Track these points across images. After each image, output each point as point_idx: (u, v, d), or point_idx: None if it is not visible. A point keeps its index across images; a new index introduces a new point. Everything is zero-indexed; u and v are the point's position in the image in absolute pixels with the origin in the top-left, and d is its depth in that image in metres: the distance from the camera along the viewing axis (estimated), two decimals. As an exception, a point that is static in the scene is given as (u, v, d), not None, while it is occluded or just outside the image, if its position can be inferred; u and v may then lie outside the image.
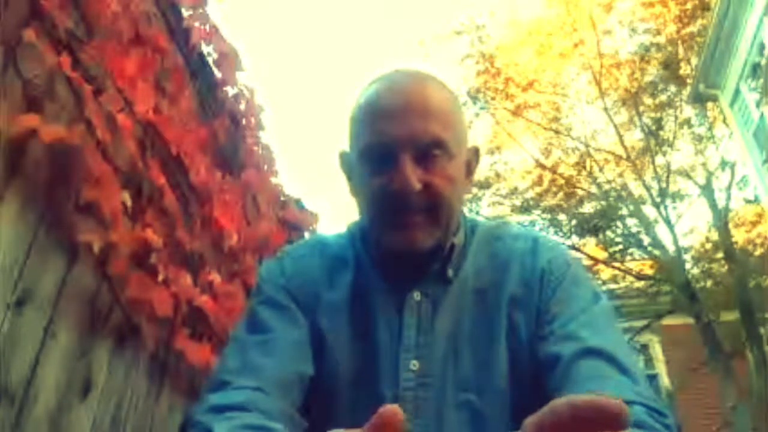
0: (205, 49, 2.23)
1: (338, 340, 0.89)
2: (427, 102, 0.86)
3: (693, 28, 10.97)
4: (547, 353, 0.80)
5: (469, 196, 12.01)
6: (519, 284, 0.89)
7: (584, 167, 11.87)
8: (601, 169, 11.74)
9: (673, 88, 11.26)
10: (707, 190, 11.20)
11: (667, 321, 10.86)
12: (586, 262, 11.45)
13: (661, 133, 11.30)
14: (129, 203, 1.56)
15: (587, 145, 11.89)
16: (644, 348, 12.22)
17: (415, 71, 0.93)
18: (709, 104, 10.69)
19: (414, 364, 0.85)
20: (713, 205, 11.04)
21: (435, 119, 0.85)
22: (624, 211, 11.23)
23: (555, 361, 0.78)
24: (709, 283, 10.54)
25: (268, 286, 0.94)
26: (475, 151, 0.97)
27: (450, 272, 0.90)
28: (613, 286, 11.77)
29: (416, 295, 0.89)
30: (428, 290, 0.89)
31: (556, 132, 12.27)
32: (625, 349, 0.83)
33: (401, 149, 0.83)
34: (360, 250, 0.95)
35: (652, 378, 12.09)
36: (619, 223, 11.36)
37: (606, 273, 11.81)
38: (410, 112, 0.84)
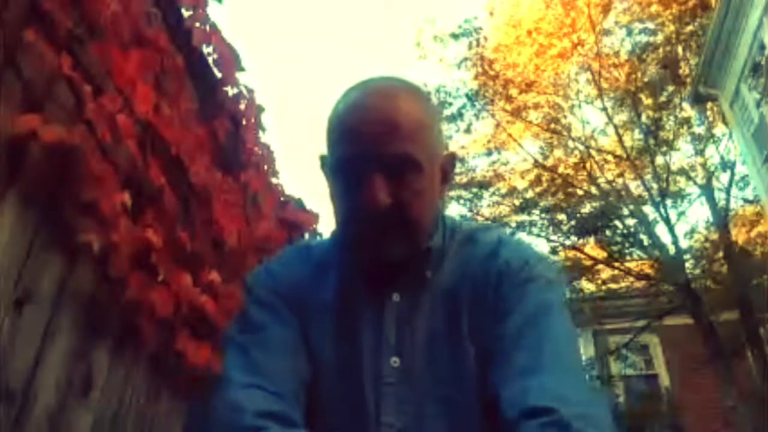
0: (205, 49, 2.23)
1: (323, 341, 0.93)
2: (396, 118, 0.87)
3: (692, 28, 10.97)
4: (498, 388, 0.81)
5: (460, 194, 12.04)
6: (479, 285, 0.92)
7: (584, 167, 11.87)
8: (600, 169, 11.74)
9: (672, 88, 11.25)
10: (707, 190, 11.21)
11: (667, 321, 10.86)
12: (586, 262, 11.47)
13: (661, 133, 11.30)
14: (129, 203, 1.55)
15: (587, 146, 11.89)
16: (644, 348, 12.22)
17: (389, 83, 0.94)
18: (709, 104, 10.69)
19: (395, 361, 0.89)
20: (713, 205, 11.05)
21: (403, 136, 0.86)
22: (624, 211, 11.22)
23: (507, 406, 0.78)
24: (709, 283, 10.54)
25: (257, 289, 0.98)
26: (452, 158, 1.00)
27: (428, 274, 0.94)
28: (613, 286, 11.78)
29: (395, 297, 0.93)
30: (407, 291, 0.93)
31: (556, 132, 12.27)
32: (573, 376, 0.83)
33: (370, 166, 0.85)
34: (344, 255, 0.99)
35: (653, 378, 12.10)
36: (618, 223, 11.36)
37: (606, 273, 11.81)
38: (380, 129, 0.86)
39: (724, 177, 11.40)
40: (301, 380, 0.88)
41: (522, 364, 0.80)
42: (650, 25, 11.44)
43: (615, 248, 11.43)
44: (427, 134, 0.91)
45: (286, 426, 0.77)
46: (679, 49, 11.16)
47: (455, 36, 12.24)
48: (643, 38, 11.57)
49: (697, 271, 11.04)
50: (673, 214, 11.21)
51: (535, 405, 0.73)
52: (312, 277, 0.98)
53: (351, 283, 0.96)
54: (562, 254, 11.52)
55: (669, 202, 11.24)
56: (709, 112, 11.28)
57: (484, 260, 0.94)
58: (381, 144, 0.85)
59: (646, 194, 11.20)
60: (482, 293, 0.91)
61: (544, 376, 0.78)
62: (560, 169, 12.19)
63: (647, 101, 11.35)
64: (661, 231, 10.96)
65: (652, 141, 11.15)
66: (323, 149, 1.00)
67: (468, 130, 12.40)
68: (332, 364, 0.91)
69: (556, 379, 0.78)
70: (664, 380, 11.89)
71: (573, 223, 11.40)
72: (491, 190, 12.55)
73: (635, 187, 11.62)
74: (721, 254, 10.75)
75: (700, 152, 11.57)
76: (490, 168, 12.70)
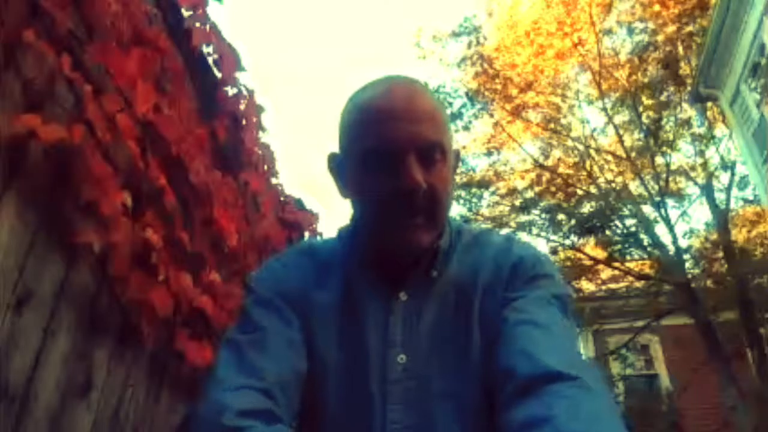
0: (205, 49, 2.23)
1: (328, 340, 0.93)
2: (425, 106, 0.91)
3: (692, 28, 10.96)
4: (501, 362, 0.82)
5: (460, 194, 12.05)
6: (491, 278, 0.94)
7: (584, 167, 11.87)
8: (600, 169, 11.74)
9: (672, 88, 11.25)
10: (707, 190, 11.20)
11: (667, 321, 10.86)
12: (586, 262, 11.46)
13: (661, 133, 11.30)
14: (129, 203, 1.55)
15: (587, 146, 11.89)
16: (644, 348, 12.22)
17: (407, 78, 0.97)
18: (709, 104, 10.68)
19: (401, 358, 0.90)
20: (713, 205, 11.04)
21: (433, 124, 0.90)
22: (624, 211, 11.22)
23: (509, 376, 0.78)
24: (709, 283, 10.53)
25: (259, 289, 0.97)
26: (457, 154, 1.02)
27: (434, 273, 0.95)
28: (613, 286, 11.77)
29: (402, 296, 0.94)
30: (414, 290, 0.94)
31: (556, 132, 12.26)
32: (579, 357, 0.86)
33: (406, 151, 0.87)
34: (349, 254, 0.99)
35: (653, 378, 12.10)
36: (618, 223, 11.35)
37: (606, 273, 11.81)
38: (412, 117, 0.88)
39: (725, 177, 11.41)
40: (297, 377, 0.87)
41: (532, 336, 0.81)
42: (651, 25, 11.43)
43: (615, 248, 11.42)
44: (448, 127, 0.95)
45: (270, 423, 0.76)
46: (680, 49, 11.15)
47: (455, 35, 12.25)
48: (644, 38, 11.57)
49: (697, 271, 11.03)
50: (673, 214, 11.21)
51: (559, 369, 0.73)
52: (316, 277, 0.98)
53: (356, 283, 0.96)
54: (562, 254, 11.51)
55: (669, 202, 11.24)
56: (709, 112, 11.28)
57: (496, 256, 0.96)
58: (417, 131, 0.87)
59: (646, 194, 11.19)
60: (494, 285, 0.93)
61: (556, 348, 0.79)
62: (560, 169, 12.19)
63: (647, 101, 11.35)
64: (661, 231, 10.97)
65: (652, 141, 11.15)
66: (325, 149, 1.00)
67: (467, 128, 12.39)
68: (338, 364, 0.91)
69: (568, 351, 0.81)
70: (664, 380, 11.89)
71: (573, 223, 11.38)
72: (491, 190, 12.55)
73: (635, 187, 11.61)
74: (721, 254, 10.74)
75: (700, 152, 11.56)
76: (490, 168, 12.70)
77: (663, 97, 11.33)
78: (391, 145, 0.87)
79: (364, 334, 0.92)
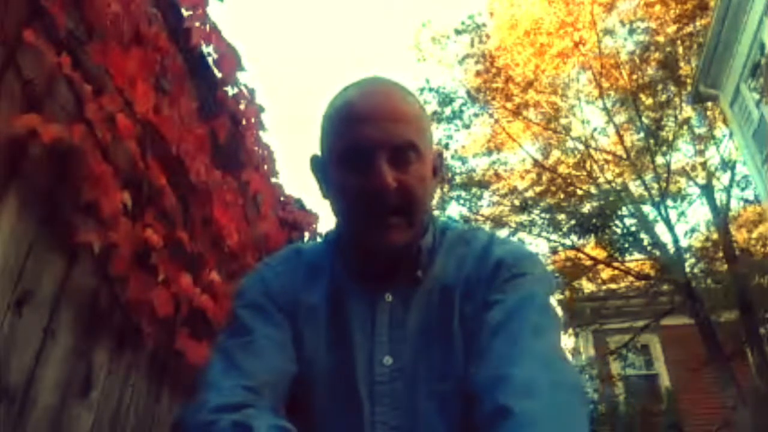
0: (205, 49, 2.23)
1: (316, 342, 0.94)
2: (399, 107, 0.91)
3: (693, 28, 10.96)
4: (475, 382, 0.81)
5: (460, 194, 12.06)
6: (472, 277, 0.94)
7: (584, 167, 11.86)
8: (600, 169, 11.73)
9: (672, 88, 11.25)
10: (707, 190, 11.19)
11: (667, 321, 10.85)
12: (586, 262, 11.46)
13: (661, 133, 11.29)
14: (129, 203, 1.55)
15: (587, 145, 11.89)
16: (644, 348, 12.21)
17: (386, 79, 0.98)
18: (709, 104, 10.68)
19: (387, 360, 0.91)
20: (713, 205, 11.03)
21: (407, 123, 0.90)
22: (624, 211, 11.21)
23: (480, 401, 0.78)
24: (709, 283, 10.53)
25: (248, 293, 0.99)
26: (439, 154, 1.02)
27: (419, 273, 0.95)
28: (613, 286, 11.77)
29: (388, 297, 0.95)
30: (399, 291, 0.95)
31: (556, 132, 12.26)
32: (544, 366, 0.82)
33: (377, 151, 0.87)
34: (335, 257, 1.00)
35: (653, 378, 12.10)
36: (618, 223, 11.34)
37: (606, 273, 11.80)
38: (384, 117, 0.89)
39: (725, 177, 11.41)
40: (284, 377, 0.88)
41: (496, 355, 0.81)
42: (652, 25, 11.43)
43: (615, 248, 11.41)
44: (425, 127, 0.95)
45: (237, 412, 0.77)
46: (680, 49, 11.15)
47: (458, 32, 12.24)
48: (644, 38, 11.57)
49: (697, 271, 11.03)
50: (673, 214, 11.21)
51: (504, 404, 0.73)
52: (303, 280, 0.99)
53: (342, 285, 0.97)
54: (562, 254, 11.52)
55: (669, 202, 11.23)
56: (709, 112, 11.28)
57: (478, 258, 0.96)
58: (388, 131, 0.88)
59: (646, 194, 11.18)
60: (474, 289, 0.93)
61: (515, 368, 0.78)
62: (560, 169, 12.19)
63: (647, 101, 11.34)
64: (661, 231, 10.96)
65: (652, 141, 11.14)
66: (316, 150, 1.01)
67: (467, 126, 12.39)
68: (326, 365, 0.92)
69: (527, 370, 0.78)
70: (664, 380, 11.89)
71: (573, 223, 11.37)
72: (491, 190, 12.55)
73: (635, 187, 11.61)
74: (721, 254, 10.74)
75: (700, 152, 11.56)
76: (490, 168, 12.70)
77: (663, 97, 11.32)
78: (362, 144, 0.88)
79: (351, 336, 0.93)
